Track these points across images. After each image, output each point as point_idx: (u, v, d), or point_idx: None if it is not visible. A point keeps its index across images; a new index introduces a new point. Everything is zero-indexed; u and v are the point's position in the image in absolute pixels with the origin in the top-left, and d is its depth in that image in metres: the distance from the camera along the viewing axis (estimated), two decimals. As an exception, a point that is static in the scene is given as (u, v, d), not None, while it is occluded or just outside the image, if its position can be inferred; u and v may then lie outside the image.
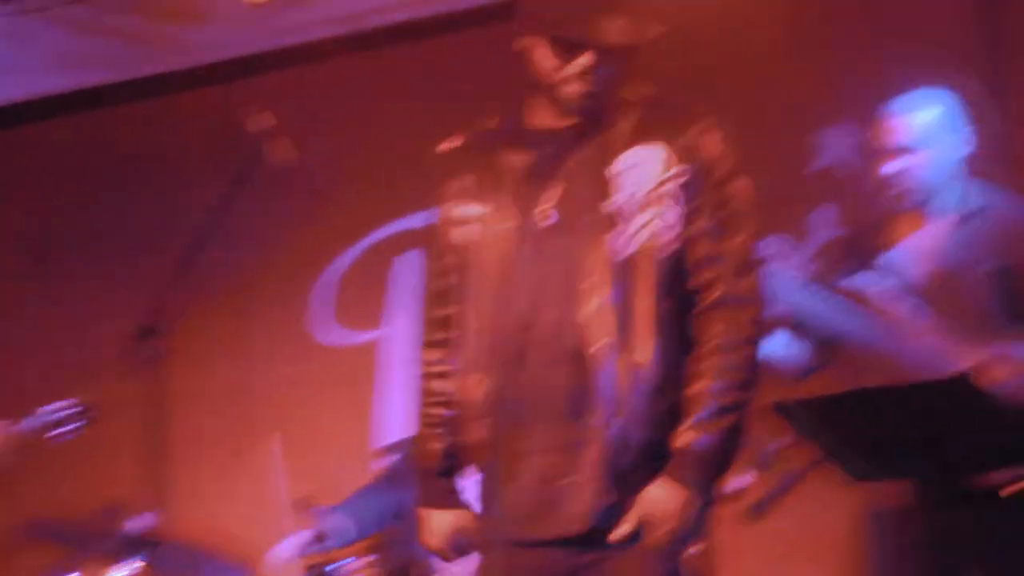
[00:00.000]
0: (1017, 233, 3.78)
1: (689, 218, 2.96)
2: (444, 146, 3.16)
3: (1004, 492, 3.56)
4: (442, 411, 3.11)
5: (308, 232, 5.98)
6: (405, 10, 5.60)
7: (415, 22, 5.65)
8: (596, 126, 2.99)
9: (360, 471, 5.24)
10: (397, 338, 5.79)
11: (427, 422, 3.14)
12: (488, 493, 3.04)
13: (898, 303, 3.77)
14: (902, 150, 3.83)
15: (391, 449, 5.17)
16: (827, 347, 3.93)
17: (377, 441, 5.65)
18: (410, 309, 5.66)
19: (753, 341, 2.99)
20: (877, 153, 3.88)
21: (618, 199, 2.94)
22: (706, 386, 2.92)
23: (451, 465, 3.12)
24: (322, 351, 5.98)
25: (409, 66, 5.76)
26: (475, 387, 3.00)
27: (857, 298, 3.83)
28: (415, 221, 5.48)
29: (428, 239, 3.17)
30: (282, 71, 5.89)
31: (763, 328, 2.99)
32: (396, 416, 5.68)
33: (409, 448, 3.36)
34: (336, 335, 5.98)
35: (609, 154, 2.98)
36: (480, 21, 5.35)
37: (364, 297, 5.94)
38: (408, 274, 5.76)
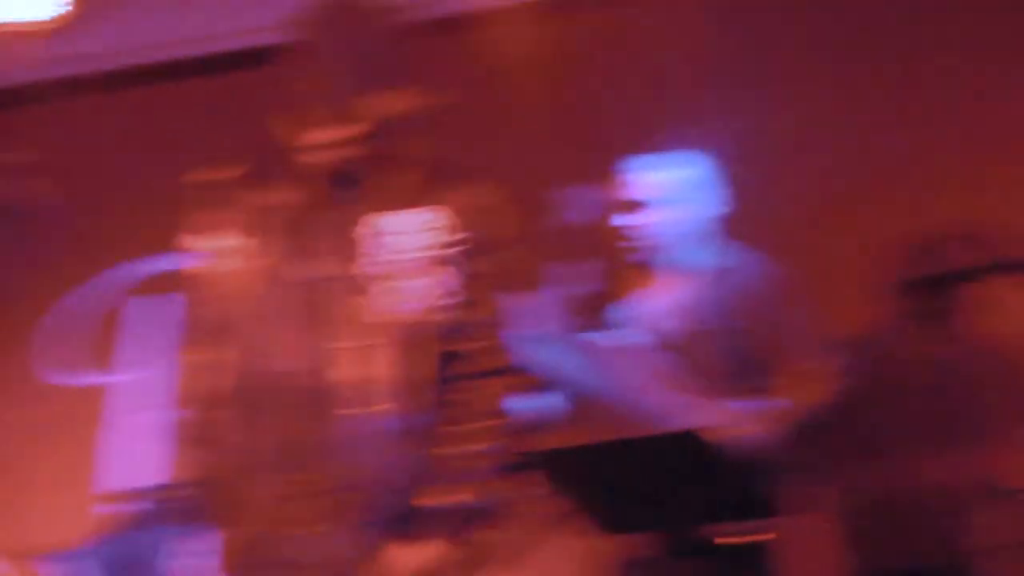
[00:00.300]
0: (761, 295, 3.95)
1: (465, 284, 2.99)
2: (206, 176, 3.12)
3: (720, 540, 3.70)
4: None
5: (36, 270, 5.77)
6: (166, 50, 5.49)
7: (176, 62, 5.54)
8: (358, 185, 3.00)
9: (88, 516, 5.06)
10: (127, 381, 5.64)
11: None
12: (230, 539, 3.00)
13: (642, 358, 3.88)
14: (638, 205, 3.95)
15: (134, 494, 5.02)
16: (578, 401, 4.03)
17: (104, 485, 5.47)
18: (142, 351, 5.54)
19: (504, 404, 3.00)
20: (614, 206, 4.01)
21: (385, 259, 2.95)
22: (461, 449, 2.94)
23: None
24: (49, 392, 5.76)
25: (136, 109, 5.65)
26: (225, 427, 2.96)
27: (602, 353, 3.92)
28: (150, 263, 5.37)
29: (187, 275, 3.12)
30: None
31: (518, 391, 3.03)
32: (124, 460, 5.52)
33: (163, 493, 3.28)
34: (64, 377, 5.78)
35: (374, 213, 2.98)
36: (240, 64, 5.29)
37: (94, 339, 5.75)
38: (140, 316, 5.62)
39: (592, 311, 4.07)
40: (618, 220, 3.98)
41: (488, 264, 3.04)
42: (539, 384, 3.95)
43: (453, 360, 2.99)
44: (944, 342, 2.57)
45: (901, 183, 4.52)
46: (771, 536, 3.74)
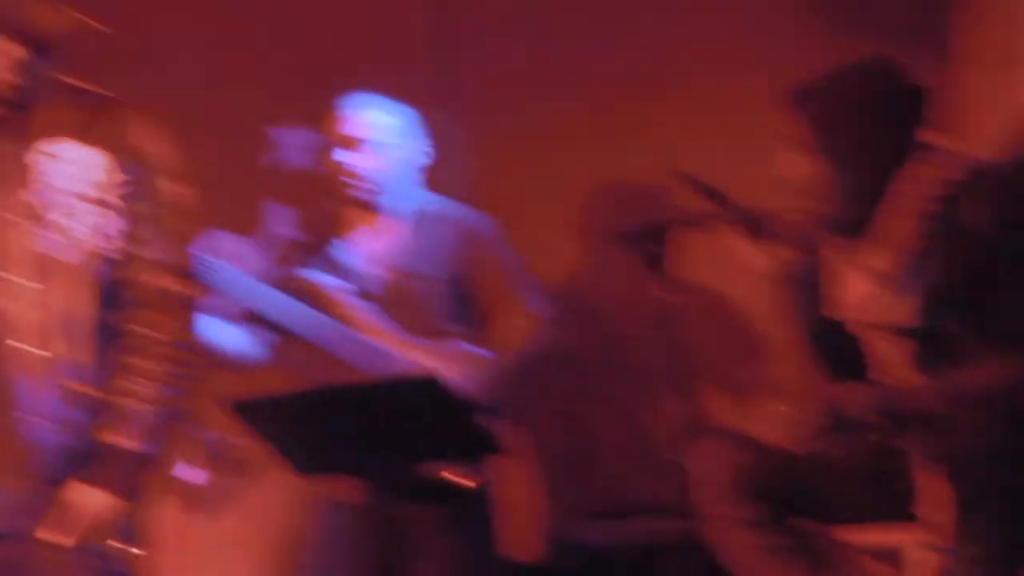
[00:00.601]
0: (470, 241, 3.95)
1: (129, 223, 2.85)
2: None
3: (465, 484, 3.71)
4: None
5: None
6: None
7: None
8: (24, 112, 2.83)
9: None
10: None
11: None
12: None
13: (352, 301, 3.84)
14: (358, 142, 3.91)
15: None
16: (280, 342, 3.96)
17: None
18: None
19: (184, 342, 2.91)
20: (332, 144, 3.93)
21: (45, 192, 2.80)
22: (131, 386, 2.83)
23: None
24: None
25: None
26: None
27: (311, 294, 3.87)
28: None
29: None
30: None
31: (194, 329, 2.89)
32: None
33: None
34: None
35: (39, 143, 2.82)
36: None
37: None
38: None
39: (303, 252, 3.99)
40: (336, 157, 3.91)
41: (156, 200, 2.90)
42: (230, 322, 3.92)
43: (126, 296, 2.84)
44: (661, 289, 2.64)
45: (616, 134, 4.61)
46: (483, 479, 3.78)
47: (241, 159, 4.65)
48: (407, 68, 4.68)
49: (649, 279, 2.67)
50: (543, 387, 4.53)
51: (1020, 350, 2.64)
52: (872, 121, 2.76)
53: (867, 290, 2.78)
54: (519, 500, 4.44)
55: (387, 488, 3.15)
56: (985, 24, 4.35)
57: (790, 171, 2.82)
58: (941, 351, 2.75)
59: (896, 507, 2.82)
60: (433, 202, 4.01)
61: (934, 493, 2.70)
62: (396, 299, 3.88)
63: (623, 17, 4.71)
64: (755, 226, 2.88)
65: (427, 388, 3.15)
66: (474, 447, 3.32)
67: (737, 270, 2.95)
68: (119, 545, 2.83)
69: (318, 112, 4.53)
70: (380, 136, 3.92)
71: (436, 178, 4.16)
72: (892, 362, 2.80)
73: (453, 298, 3.93)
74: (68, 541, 2.74)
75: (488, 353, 3.89)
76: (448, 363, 3.78)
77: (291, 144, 4.67)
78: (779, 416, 2.68)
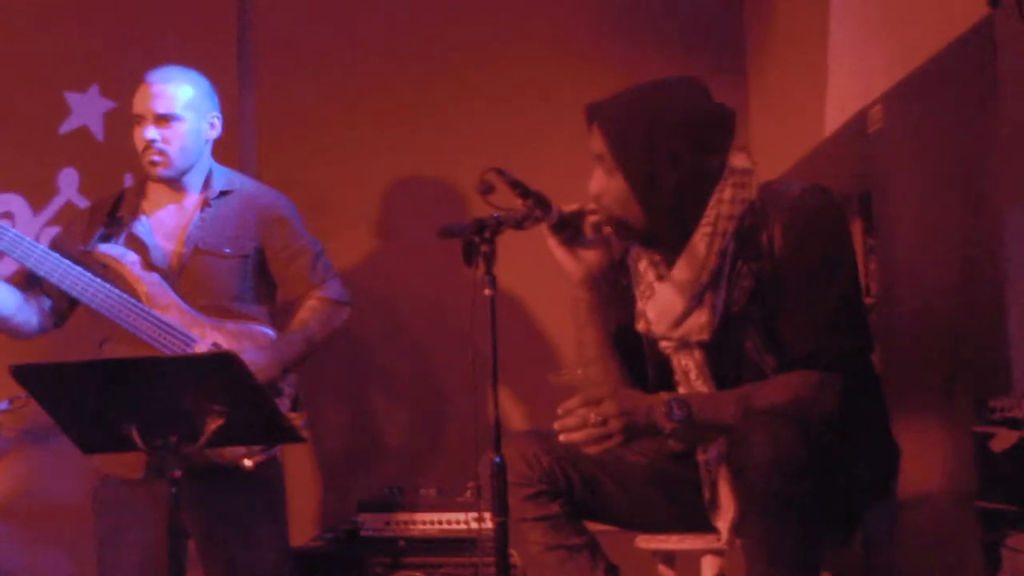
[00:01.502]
0: (265, 219, 3.90)
1: None
2: None
3: (246, 465, 3.71)
4: None
5: None
6: None
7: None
8: None
9: None
10: None
11: None
12: None
13: (144, 275, 3.76)
14: (168, 119, 3.80)
15: None
16: (64, 310, 3.88)
17: None
18: None
19: None
20: (140, 117, 3.81)
21: None
22: None
23: None
24: None
25: None
26: None
27: (103, 265, 3.78)
28: None
29: None
30: None
31: None
32: None
33: None
34: None
35: None
36: None
37: None
38: None
39: (98, 221, 3.88)
40: (146, 134, 3.78)
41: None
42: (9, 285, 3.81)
43: None
44: (475, 285, 2.63)
45: (429, 128, 4.65)
46: (263, 460, 3.74)
47: (38, 125, 4.54)
48: (213, 40, 4.61)
49: (464, 275, 2.65)
50: (336, 372, 4.58)
51: (807, 365, 2.74)
52: (673, 142, 2.75)
53: (670, 303, 2.84)
54: (301, 484, 4.46)
55: (167, 465, 3.07)
56: (778, 48, 4.50)
57: (596, 187, 2.84)
58: (736, 366, 2.83)
59: (692, 515, 2.89)
60: (229, 178, 3.95)
61: (727, 502, 2.79)
62: (190, 275, 3.81)
63: (438, 15, 4.73)
64: (570, 229, 2.90)
65: (223, 365, 3.09)
66: (266, 429, 3.27)
67: (552, 272, 2.97)
68: None
69: (117, 79, 4.45)
70: (187, 111, 3.83)
71: (229, 153, 4.14)
72: (690, 374, 2.87)
73: (247, 276, 3.87)
74: None
75: (276, 333, 3.86)
76: (237, 342, 3.74)
77: (88, 109, 4.56)
78: (582, 419, 2.71)
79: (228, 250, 3.84)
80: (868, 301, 3.51)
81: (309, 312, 3.90)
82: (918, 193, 3.33)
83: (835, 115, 3.91)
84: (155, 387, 3.09)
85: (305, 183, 4.49)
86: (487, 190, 2.69)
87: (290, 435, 3.32)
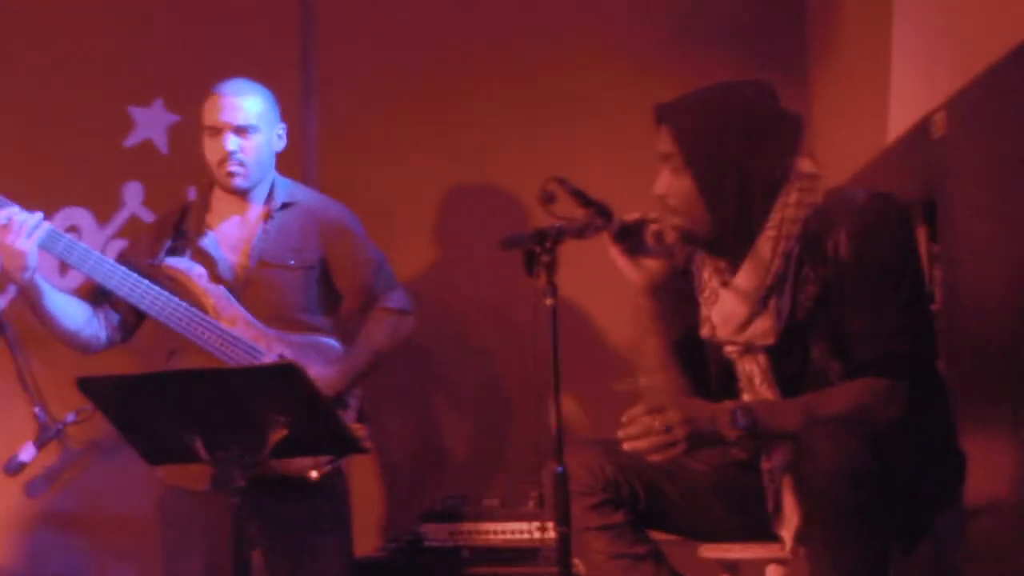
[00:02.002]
0: (330, 232, 3.93)
1: None
2: None
3: (312, 476, 3.74)
4: None
5: None
6: None
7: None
8: None
9: None
10: None
11: None
12: None
13: (210, 287, 3.81)
14: (243, 130, 3.83)
15: None
16: (131, 322, 3.93)
17: None
18: None
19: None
20: (214, 129, 3.84)
21: None
22: None
23: None
24: None
25: None
26: None
27: (169, 278, 3.82)
28: None
29: None
30: None
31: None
32: None
33: None
34: None
35: None
36: None
37: None
38: None
39: (163, 234, 3.93)
40: (224, 144, 3.83)
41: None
42: (77, 297, 3.88)
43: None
44: (537, 295, 2.65)
45: (489, 139, 4.66)
46: (330, 472, 3.77)
47: (103, 139, 4.60)
48: (275, 53, 4.66)
49: (526, 284, 2.67)
50: (400, 381, 4.60)
51: (873, 371, 2.73)
52: (741, 143, 2.76)
53: (735, 309, 2.84)
54: (365, 495, 4.48)
55: (234, 478, 3.10)
56: (841, 54, 4.48)
57: (662, 188, 2.85)
58: (801, 371, 2.83)
59: (755, 524, 2.89)
60: (291, 189, 3.98)
61: (791, 511, 2.78)
62: (255, 287, 3.85)
63: (499, 23, 4.75)
64: (632, 238, 2.91)
65: (287, 377, 3.12)
66: (331, 441, 3.30)
67: (614, 281, 2.98)
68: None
69: (181, 92, 4.50)
70: (261, 123, 3.87)
71: (292, 164, 4.17)
72: (754, 380, 2.87)
73: (311, 287, 3.91)
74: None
75: (343, 346, 3.90)
76: (303, 354, 3.77)
77: (153, 122, 4.61)
78: (646, 427, 2.71)
79: (292, 262, 3.88)
80: (933, 308, 3.50)
81: (374, 324, 3.92)
82: (984, 201, 3.31)
83: (899, 121, 3.89)
84: (219, 398, 3.12)
85: (367, 193, 4.50)
86: (549, 199, 2.70)
87: (354, 446, 3.35)
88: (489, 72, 4.71)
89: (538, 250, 2.66)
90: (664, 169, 2.85)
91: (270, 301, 3.85)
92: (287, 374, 3.14)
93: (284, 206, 3.93)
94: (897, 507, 2.60)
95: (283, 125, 3.95)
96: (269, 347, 3.78)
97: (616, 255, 2.92)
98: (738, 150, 2.77)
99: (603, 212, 2.81)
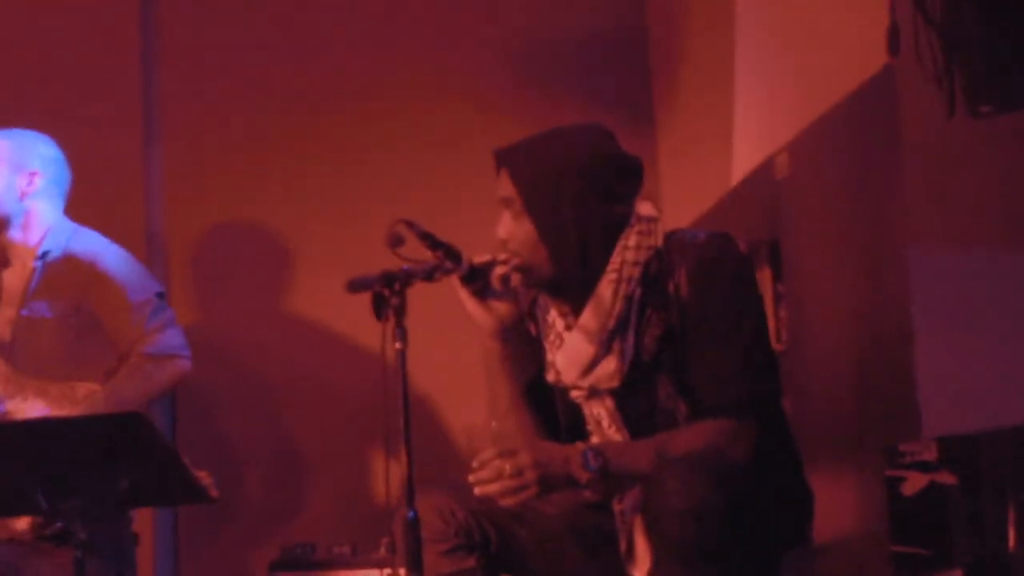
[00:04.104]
0: (95, 278, 3.84)
1: None
2: None
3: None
4: None
5: None
6: None
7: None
8: None
9: None
10: None
11: None
12: None
13: None
14: None
15: None
16: None
17: None
18: None
19: None
20: None
21: None
22: None
23: None
24: None
25: None
26: None
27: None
28: None
29: None
30: None
31: None
32: None
33: None
34: None
35: None
36: None
37: None
38: None
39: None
40: None
41: None
42: None
43: None
44: (395, 339, 2.63)
45: (334, 178, 4.68)
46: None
47: None
48: (115, 94, 4.61)
49: (376, 327, 2.64)
50: (250, 429, 4.56)
51: (719, 413, 2.77)
52: (580, 189, 2.78)
53: (579, 353, 2.85)
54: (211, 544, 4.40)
55: (76, 530, 3.03)
56: (685, 96, 4.55)
57: (503, 232, 2.86)
58: (649, 412, 2.84)
59: (609, 566, 2.88)
60: (67, 236, 3.90)
61: (643, 552, 2.78)
62: (21, 339, 3.81)
63: (345, 62, 4.76)
64: (481, 281, 2.90)
65: (129, 426, 3.05)
66: (177, 490, 3.23)
67: (464, 324, 2.98)
68: None
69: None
70: (15, 165, 3.84)
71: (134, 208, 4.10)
72: (602, 422, 2.88)
73: (75, 337, 3.83)
74: None
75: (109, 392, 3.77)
76: (56, 405, 3.71)
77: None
78: (496, 471, 2.71)
79: (49, 314, 3.83)
80: (779, 348, 3.55)
81: (125, 371, 3.82)
82: (826, 240, 3.38)
83: (743, 163, 3.96)
84: (58, 449, 3.05)
85: (215, 236, 4.47)
86: (397, 242, 2.69)
87: (200, 495, 3.28)
88: (338, 114, 4.70)
89: (386, 293, 2.64)
90: (505, 213, 2.86)
91: (34, 353, 3.79)
92: (130, 423, 3.07)
93: (45, 254, 3.87)
94: (746, 546, 2.62)
95: (38, 171, 3.86)
96: (24, 398, 3.72)
97: (465, 297, 2.91)
98: (577, 195, 2.79)
99: (452, 254, 2.81)
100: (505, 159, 2.87)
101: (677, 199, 4.48)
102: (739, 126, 4.01)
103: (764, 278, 3.62)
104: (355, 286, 2.70)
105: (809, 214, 3.47)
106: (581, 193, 2.79)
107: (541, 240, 2.81)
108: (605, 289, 2.81)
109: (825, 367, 3.41)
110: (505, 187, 2.85)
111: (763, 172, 3.68)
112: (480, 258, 2.89)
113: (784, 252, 3.60)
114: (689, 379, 2.79)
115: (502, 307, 2.92)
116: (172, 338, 3.89)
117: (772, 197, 3.62)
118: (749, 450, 2.73)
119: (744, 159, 3.94)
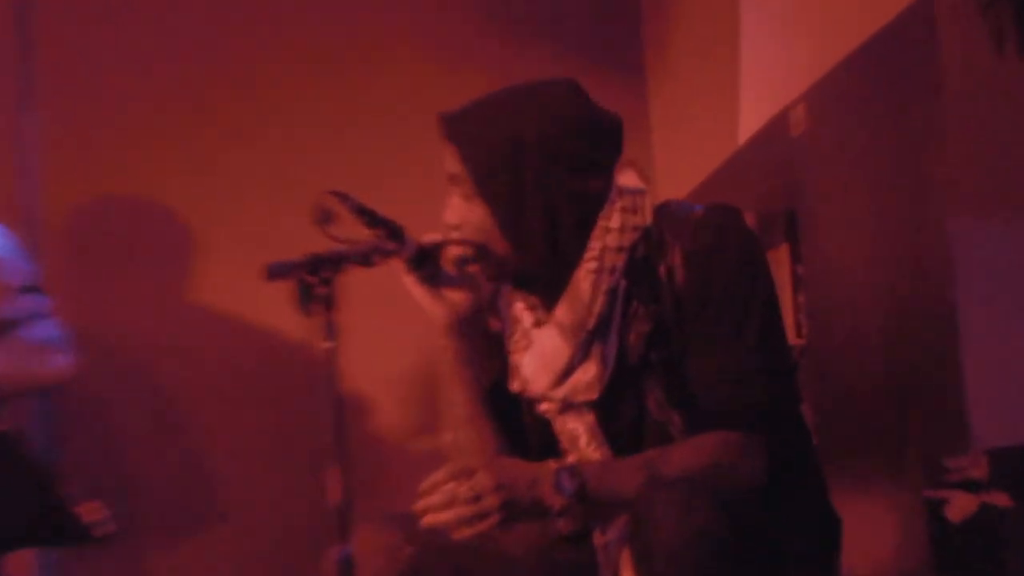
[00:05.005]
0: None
1: None
2: None
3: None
4: None
5: None
6: None
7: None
8: None
9: None
10: None
11: None
12: None
13: None
14: None
15: None
16: None
17: None
18: None
19: None
20: None
21: None
22: None
23: None
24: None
25: None
26: None
27: None
28: None
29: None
30: None
31: None
32: None
33: None
34: None
35: None
36: None
37: None
38: None
39: None
40: None
41: None
42: None
43: None
44: (324, 337, 2.59)
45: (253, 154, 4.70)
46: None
47: None
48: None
49: (301, 324, 2.61)
50: (155, 455, 4.55)
51: (723, 423, 2.74)
52: (543, 160, 2.72)
53: (551, 356, 2.81)
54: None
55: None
56: (681, 38, 4.55)
57: (453, 217, 2.80)
58: (636, 426, 2.81)
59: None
60: None
61: (629, 588, 2.77)
62: None
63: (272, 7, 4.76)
64: (431, 265, 2.86)
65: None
66: (44, 526, 3.22)
67: (410, 317, 2.96)
68: None
69: None
70: None
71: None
72: (579, 440, 2.85)
73: None
74: None
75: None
76: None
77: None
78: (450, 496, 2.68)
79: None
80: (798, 343, 3.54)
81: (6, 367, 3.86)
82: (853, 210, 3.36)
83: (751, 118, 3.95)
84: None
85: (103, 217, 4.51)
86: (325, 219, 2.63)
87: (81, 534, 3.25)
88: (251, 71, 4.73)
89: (313, 281, 2.61)
90: (454, 194, 2.83)
91: None
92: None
93: None
94: (757, 584, 2.61)
95: None
96: None
97: (412, 285, 2.87)
98: (541, 170, 2.72)
99: (394, 233, 2.76)
100: (450, 128, 2.80)
101: (672, 165, 4.47)
102: (746, 73, 4.00)
103: (779, 258, 3.62)
104: (274, 273, 2.65)
105: (832, 178, 3.45)
106: (545, 166, 2.72)
107: (498, 226, 2.77)
108: (583, 281, 2.75)
109: (854, 366, 3.40)
110: (452, 162, 2.79)
111: (776, 129, 3.67)
112: (429, 237, 2.85)
113: (803, 226, 3.59)
114: (685, 384, 2.75)
115: (458, 296, 2.88)
116: (46, 329, 3.93)
117: (787, 159, 3.61)
118: (760, 468, 2.69)
119: (753, 113, 3.93)
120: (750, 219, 2.91)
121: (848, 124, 3.35)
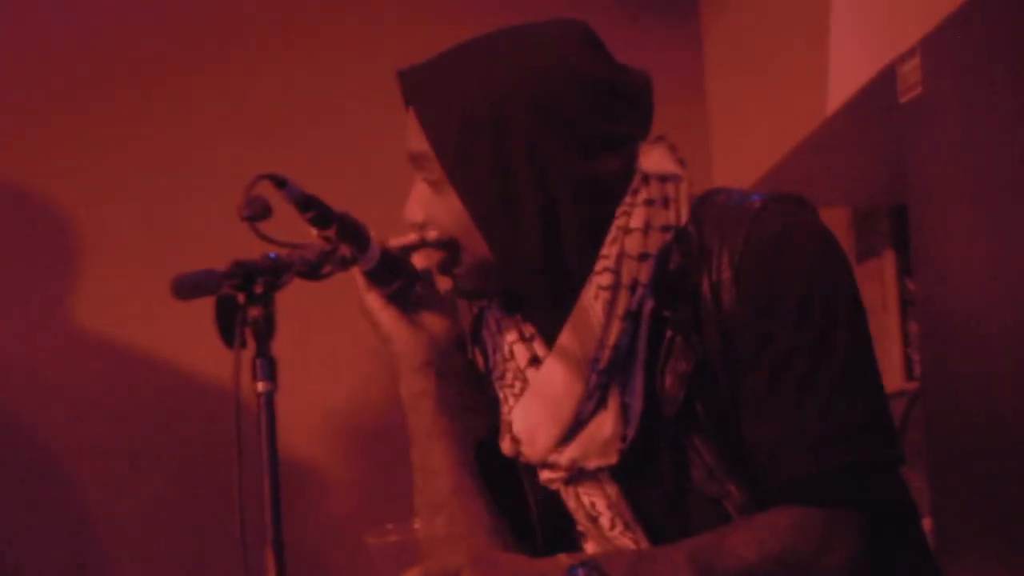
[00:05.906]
0: None
1: None
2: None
3: None
4: None
5: None
6: None
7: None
8: None
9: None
10: None
11: None
12: None
13: None
14: None
15: None
16: None
17: None
18: None
19: None
20: None
21: None
22: None
23: None
24: None
25: None
26: None
27: None
28: None
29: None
30: None
31: None
32: None
33: None
34: None
35: None
36: None
37: None
38: None
39: None
40: None
41: None
42: None
43: None
44: (255, 375, 2.56)
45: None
46: None
47: None
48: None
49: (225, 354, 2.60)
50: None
51: (799, 498, 2.72)
52: (539, 133, 2.67)
53: (551, 404, 2.75)
54: None
55: None
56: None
57: (415, 212, 2.76)
58: (677, 502, 2.79)
59: None
60: None
61: None
62: None
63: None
64: (402, 280, 2.82)
65: None
66: None
67: (372, 349, 2.96)
68: None
69: None
70: None
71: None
72: (600, 519, 2.85)
73: None
74: None
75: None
76: None
77: None
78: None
79: None
80: (908, 387, 3.55)
81: None
82: (987, 203, 3.35)
83: (844, 79, 3.95)
84: None
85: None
86: (257, 214, 2.61)
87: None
88: (157, 35, 4.96)
89: (241, 299, 2.59)
90: (418, 180, 2.76)
91: None
92: None
93: None
94: None
95: None
96: None
97: (376, 308, 2.84)
98: (532, 143, 2.67)
99: (352, 233, 2.73)
100: (411, 90, 2.76)
101: (733, 143, 4.48)
102: (837, 17, 4.01)
103: (882, 270, 3.62)
104: (185, 288, 2.59)
105: (957, 162, 3.44)
106: (540, 140, 2.67)
107: (476, 225, 2.72)
108: (593, 300, 2.69)
109: (981, 417, 3.40)
110: (415, 137, 2.73)
111: (878, 92, 3.67)
112: (398, 240, 2.81)
113: (915, 227, 3.59)
114: (745, 445, 2.74)
115: (437, 322, 2.85)
116: None
117: (894, 134, 3.61)
118: (853, 556, 2.67)
119: (846, 72, 3.93)
120: (843, 217, 2.89)
121: (980, 86, 3.34)
